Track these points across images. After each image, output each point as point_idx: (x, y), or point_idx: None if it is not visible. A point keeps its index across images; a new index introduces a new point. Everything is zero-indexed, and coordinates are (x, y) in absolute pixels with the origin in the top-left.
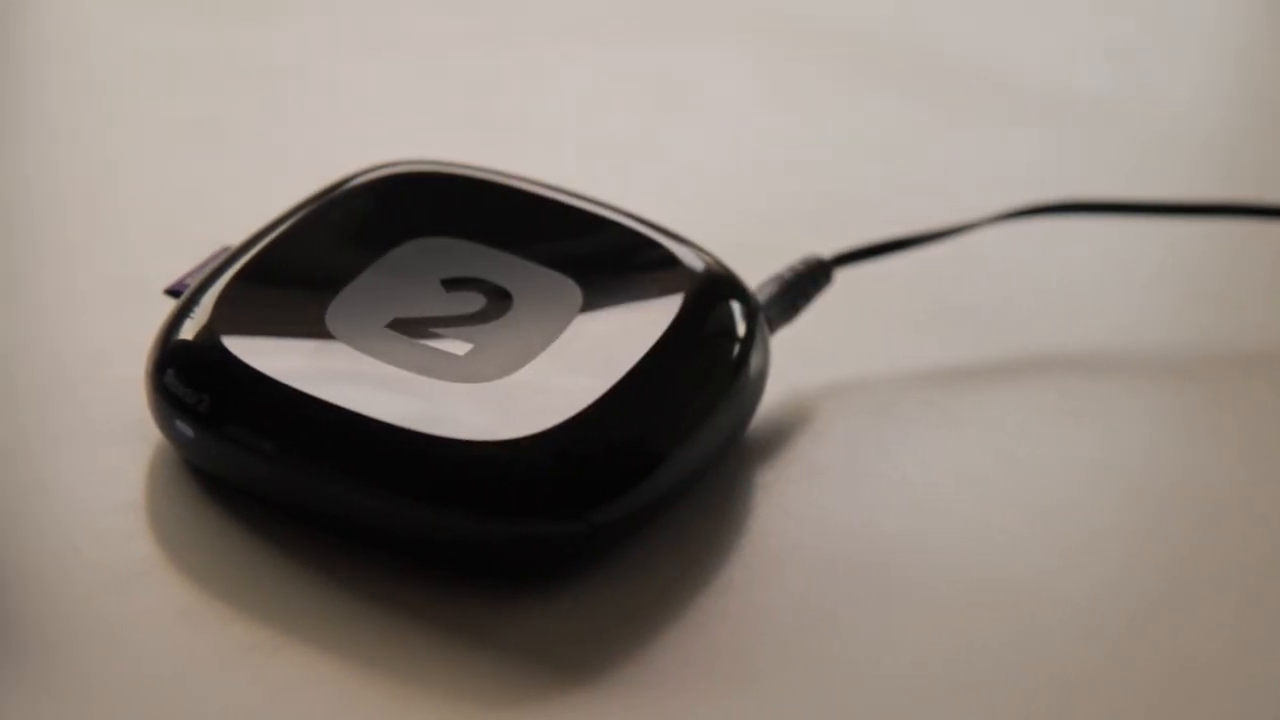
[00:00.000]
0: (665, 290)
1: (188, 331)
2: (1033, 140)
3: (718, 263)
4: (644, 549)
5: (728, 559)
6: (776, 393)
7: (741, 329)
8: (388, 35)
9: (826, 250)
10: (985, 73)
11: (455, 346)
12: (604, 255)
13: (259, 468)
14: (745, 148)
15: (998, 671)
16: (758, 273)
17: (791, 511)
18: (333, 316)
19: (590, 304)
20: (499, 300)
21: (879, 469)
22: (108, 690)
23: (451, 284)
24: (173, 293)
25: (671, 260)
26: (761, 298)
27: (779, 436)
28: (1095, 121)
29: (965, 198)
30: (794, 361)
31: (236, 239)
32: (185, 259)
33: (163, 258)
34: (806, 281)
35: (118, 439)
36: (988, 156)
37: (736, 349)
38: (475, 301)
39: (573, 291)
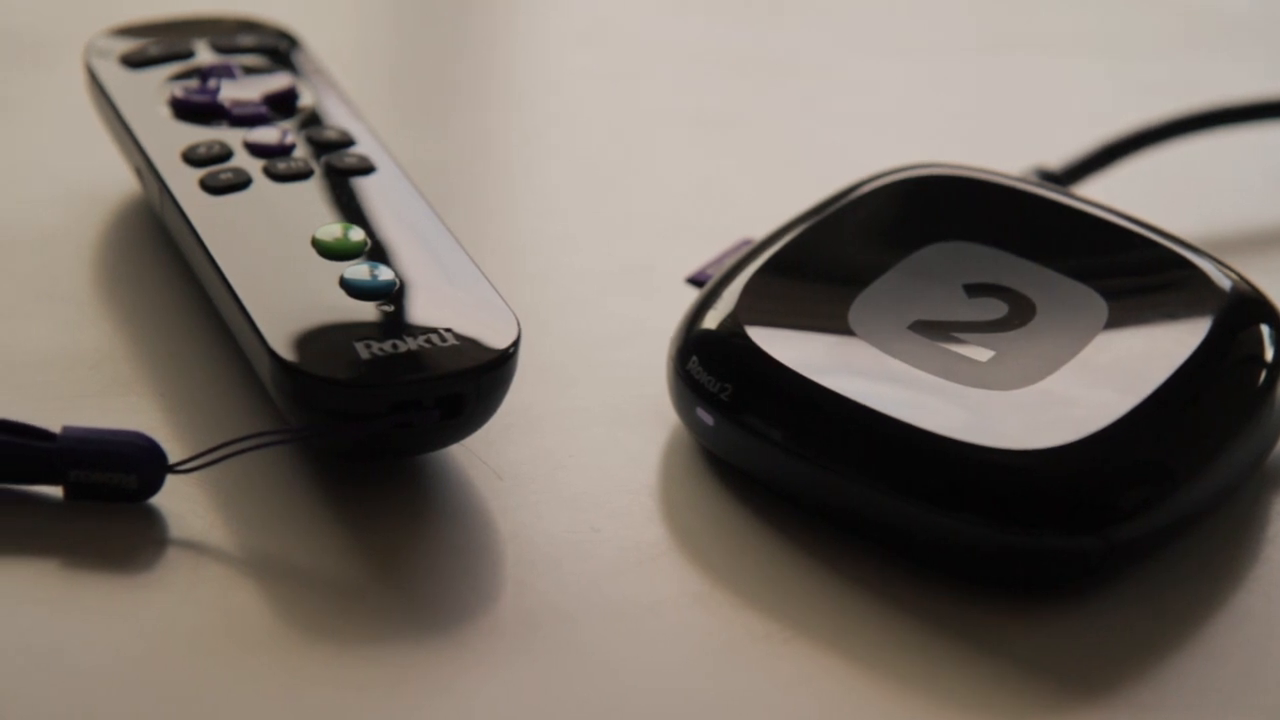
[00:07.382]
0: (1194, 309)
1: (712, 320)
2: None
3: (1247, 283)
4: (1160, 570)
5: (1246, 586)
6: None
7: (1271, 354)
8: (903, 39)
9: None
10: None
11: (977, 352)
12: (1130, 269)
13: (777, 459)
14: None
15: None
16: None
17: None
18: (855, 314)
19: (1115, 319)
20: (1022, 309)
21: None
22: (620, 667)
23: (974, 289)
24: (695, 282)
25: (1201, 279)
26: None
27: None
28: None
29: None
30: None
31: (750, 232)
32: (700, 249)
33: (676, 246)
34: None
35: (634, 421)
36: None
37: (1264, 374)
38: (997, 308)
39: (1098, 305)
